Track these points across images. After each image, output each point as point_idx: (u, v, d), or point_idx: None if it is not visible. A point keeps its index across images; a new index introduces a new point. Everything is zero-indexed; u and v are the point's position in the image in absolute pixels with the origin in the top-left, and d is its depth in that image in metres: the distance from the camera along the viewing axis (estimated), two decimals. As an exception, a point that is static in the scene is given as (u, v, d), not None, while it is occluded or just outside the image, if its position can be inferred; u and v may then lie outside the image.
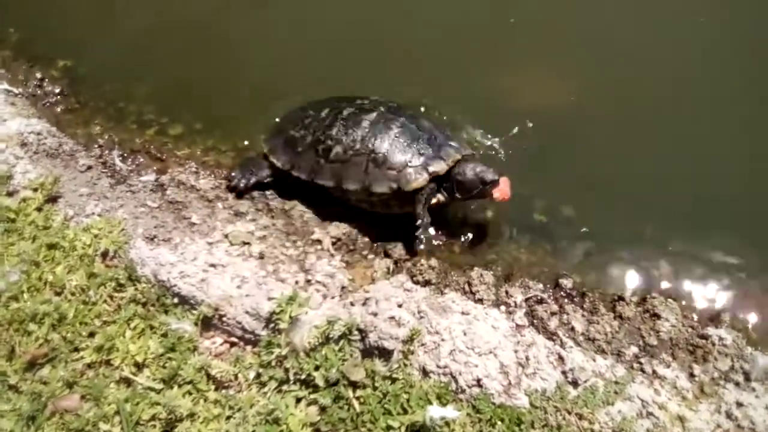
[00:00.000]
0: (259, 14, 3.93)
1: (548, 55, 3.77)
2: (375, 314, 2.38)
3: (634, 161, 3.34)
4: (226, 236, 2.84)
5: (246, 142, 3.45)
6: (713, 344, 2.60)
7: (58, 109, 3.62)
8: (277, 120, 3.32)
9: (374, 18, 4.03)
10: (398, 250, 2.95)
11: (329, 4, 4.08)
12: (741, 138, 3.38)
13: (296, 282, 2.68)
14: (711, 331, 2.66)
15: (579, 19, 3.88)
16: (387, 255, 2.95)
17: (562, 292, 2.83)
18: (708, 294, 2.90)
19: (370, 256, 2.96)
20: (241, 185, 3.03)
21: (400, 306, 2.43)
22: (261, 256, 2.77)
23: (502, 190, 2.85)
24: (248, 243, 2.82)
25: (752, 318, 2.82)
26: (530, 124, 3.47)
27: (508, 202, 2.90)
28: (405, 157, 2.83)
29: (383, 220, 3.03)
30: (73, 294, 2.54)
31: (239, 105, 3.61)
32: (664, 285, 2.94)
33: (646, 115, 3.49)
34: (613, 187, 3.26)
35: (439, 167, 2.84)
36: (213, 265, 2.66)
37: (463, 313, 2.48)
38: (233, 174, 3.08)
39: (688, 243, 3.09)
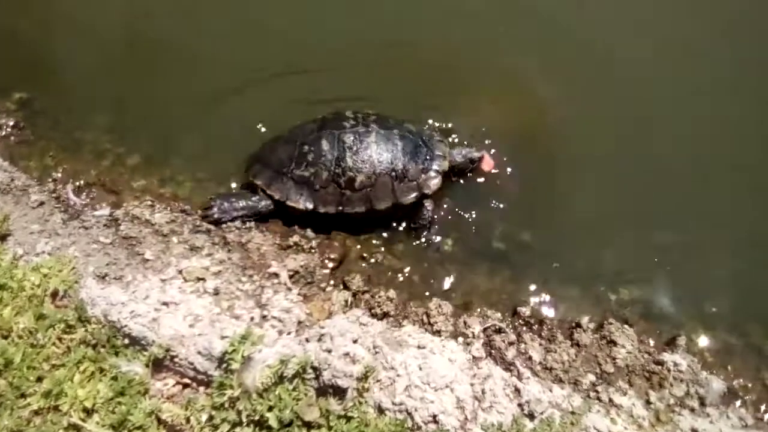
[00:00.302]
0: (223, 42, 3.89)
1: (521, 78, 3.76)
2: (329, 351, 2.36)
3: (594, 188, 3.36)
4: (181, 272, 2.80)
5: (202, 174, 3.40)
6: (669, 370, 2.62)
7: (12, 142, 3.55)
8: (256, 156, 3.26)
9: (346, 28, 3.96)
10: (357, 281, 2.93)
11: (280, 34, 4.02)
12: (693, 166, 3.41)
13: (252, 318, 2.64)
14: (667, 356, 2.68)
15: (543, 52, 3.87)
16: (346, 287, 2.93)
17: (520, 320, 2.83)
18: (664, 319, 2.92)
19: (329, 288, 2.94)
20: (221, 218, 3.02)
21: (355, 342, 2.41)
22: (216, 292, 2.73)
23: (488, 162, 3.36)
24: (203, 279, 2.78)
25: (705, 342, 2.84)
26: (492, 151, 3.46)
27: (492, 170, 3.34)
28: (419, 166, 3.14)
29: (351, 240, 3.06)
30: (20, 337, 2.48)
31: (199, 134, 3.56)
32: (621, 311, 2.96)
33: (609, 143, 3.51)
34: (573, 212, 3.28)
35: (445, 165, 3.21)
36: (165, 304, 2.61)
37: (419, 347, 2.46)
38: (214, 203, 3.05)
39: (644, 270, 3.11)
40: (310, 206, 3.06)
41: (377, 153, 3.08)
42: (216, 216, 3.03)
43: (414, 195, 3.13)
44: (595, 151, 3.45)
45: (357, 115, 3.21)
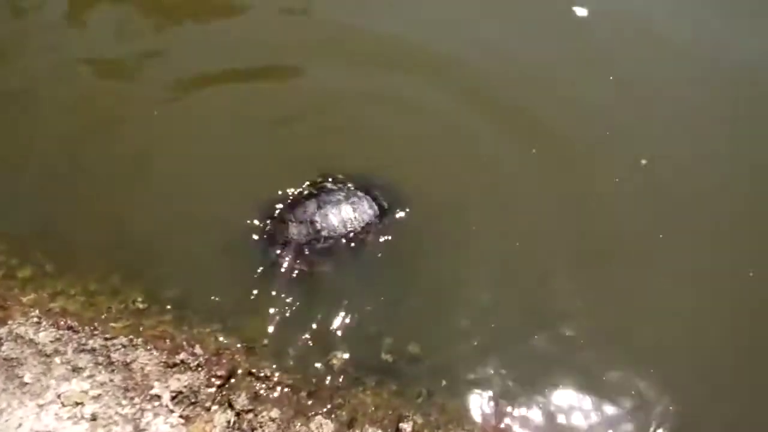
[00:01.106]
0: (127, 147, 3.97)
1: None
2: (197, 485, 2.36)
3: (480, 298, 3.51)
4: (59, 396, 2.77)
5: (95, 287, 3.40)
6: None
7: None
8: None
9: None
10: (242, 399, 2.96)
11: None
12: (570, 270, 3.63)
13: (128, 445, 2.62)
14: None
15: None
16: (230, 405, 2.95)
17: (402, 438, 2.90)
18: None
19: (214, 408, 2.95)
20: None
21: (225, 473, 2.42)
22: (93, 418, 2.72)
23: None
24: (81, 403, 2.77)
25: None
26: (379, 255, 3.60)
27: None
28: None
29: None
30: None
31: (96, 245, 3.58)
32: (501, 423, 3.06)
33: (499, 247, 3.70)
34: (459, 324, 3.41)
35: None
36: (38, 433, 2.57)
37: (291, 476, 2.49)
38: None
39: (527, 383, 3.24)
40: None
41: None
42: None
43: None
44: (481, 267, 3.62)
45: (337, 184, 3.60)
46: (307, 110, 4.17)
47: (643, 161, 3.98)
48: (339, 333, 3.34)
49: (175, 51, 4.50)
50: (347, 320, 3.39)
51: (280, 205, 3.65)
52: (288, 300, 3.40)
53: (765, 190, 3.94)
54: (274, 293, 3.41)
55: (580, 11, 4.73)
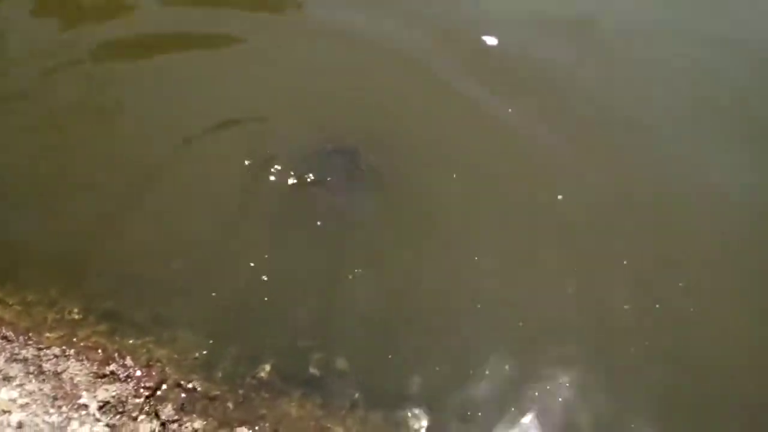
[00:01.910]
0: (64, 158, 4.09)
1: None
2: (113, 491, 2.48)
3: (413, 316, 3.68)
4: (-13, 405, 2.86)
5: (32, 297, 3.50)
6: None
7: None
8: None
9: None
10: (168, 410, 3.08)
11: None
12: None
13: (51, 453, 2.73)
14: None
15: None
16: (157, 416, 3.07)
17: (320, 449, 3.04)
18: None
19: (141, 417, 3.06)
20: None
21: (140, 480, 2.54)
22: (20, 426, 2.81)
23: None
24: (8, 411, 2.86)
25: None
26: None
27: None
28: None
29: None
30: None
31: (37, 257, 3.68)
32: (418, 436, 3.23)
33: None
34: (394, 338, 3.56)
35: None
36: (-38, 440, 2.67)
37: (204, 484, 2.61)
38: None
39: (450, 397, 3.41)
40: None
41: None
42: None
43: None
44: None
45: None
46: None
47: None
48: (269, 347, 3.47)
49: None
50: (278, 334, 3.52)
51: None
52: (221, 314, 3.52)
53: None
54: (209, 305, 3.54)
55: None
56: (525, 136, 4.42)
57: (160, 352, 3.33)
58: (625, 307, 3.65)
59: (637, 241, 3.95)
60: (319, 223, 3.91)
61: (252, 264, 3.71)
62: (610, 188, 4.22)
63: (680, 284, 3.76)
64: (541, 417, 3.30)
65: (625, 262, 3.84)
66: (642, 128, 4.60)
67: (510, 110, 4.58)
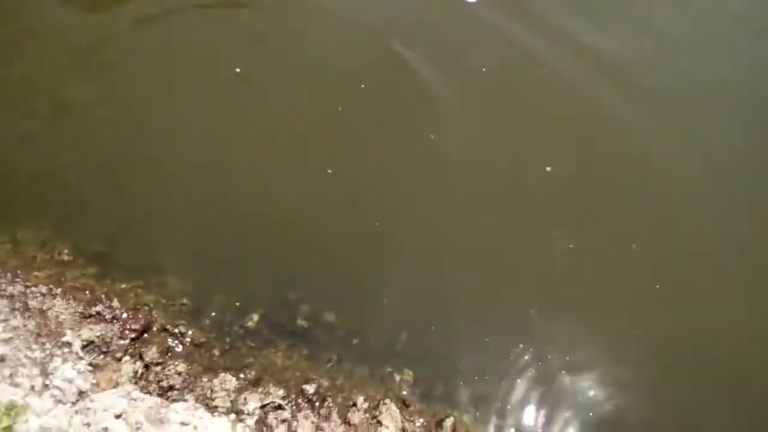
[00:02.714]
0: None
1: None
2: (89, 425, 2.47)
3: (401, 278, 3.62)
4: (-30, 337, 2.85)
5: (23, 236, 3.48)
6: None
7: None
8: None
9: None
10: (152, 352, 3.06)
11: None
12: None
13: (32, 387, 2.72)
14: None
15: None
16: (141, 357, 3.05)
17: (303, 398, 3.02)
18: (435, 402, 3.18)
19: (125, 359, 3.05)
20: None
21: (118, 417, 2.53)
22: (2, 359, 2.80)
23: None
24: (-9, 345, 2.84)
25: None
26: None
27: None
28: None
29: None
30: None
31: (30, 198, 3.65)
32: (402, 391, 3.20)
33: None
34: (378, 294, 3.52)
35: None
36: (-57, 370, 2.66)
37: (182, 424, 2.60)
38: None
39: (436, 351, 3.38)
40: None
41: None
42: None
43: None
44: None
45: None
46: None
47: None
48: (258, 296, 3.44)
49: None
50: (268, 285, 3.48)
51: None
52: (212, 261, 3.49)
53: None
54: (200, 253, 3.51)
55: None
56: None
57: (148, 297, 3.32)
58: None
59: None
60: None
61: (243, 216, 3.65)
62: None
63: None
64: (532, 384, 3.27)
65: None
66: None
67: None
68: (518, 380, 3.24)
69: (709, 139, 4.23)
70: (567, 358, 3.34)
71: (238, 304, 3.41)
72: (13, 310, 3.06)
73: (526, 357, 3.32)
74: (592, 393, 3.27)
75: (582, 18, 4.75)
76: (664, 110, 4.31)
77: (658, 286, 3.58)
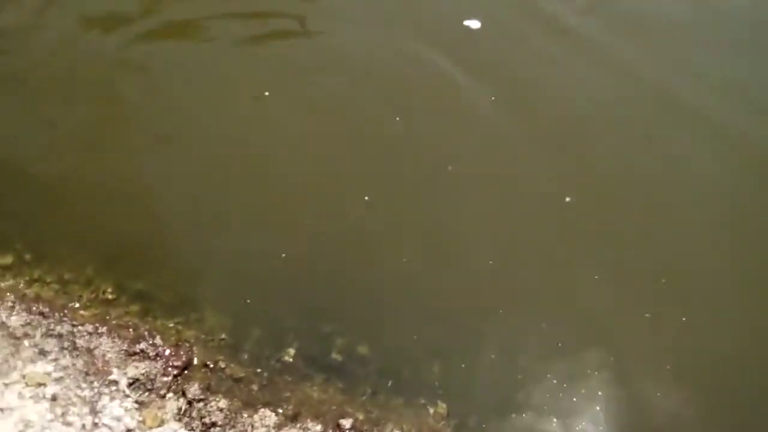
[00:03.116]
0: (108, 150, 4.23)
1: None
2: (137, 465, 2.58)
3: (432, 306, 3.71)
4: (24, 377, 3.00)
5: (69, 276, 3.63)
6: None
7: None
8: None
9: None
10: (194, 389, 3.18)
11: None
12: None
13: (83, 425, 2.86)
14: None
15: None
16: (184, 394, 3.17)
17: (340, 432, 3.11)
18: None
19: (169, 395, 3.17)
20: None
21: (165, 455, 2.64)
22: (54, 398, 2.94)
23: None
24: (44, 384, 2.99)
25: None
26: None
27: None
28: None
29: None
30: None
31: (74, 237, 3.81)
32: (437, 424, 3.27)
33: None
34: (409, 326, 3.60)
35: None
36: (0, 409, 2.80)
37: (224, 462, 2.70)
38: None
39: (469, 384, 3.44)
40: None
41: None
42: None
43: None
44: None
45: None
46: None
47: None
48: (293, 330, 3.54)
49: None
50: (302, 317, 3.58)
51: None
52: (248, 294, 3.61)
53: None
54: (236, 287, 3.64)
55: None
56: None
57: (188, 333, 3.43)
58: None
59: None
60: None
61: (278, 250, 3.77)
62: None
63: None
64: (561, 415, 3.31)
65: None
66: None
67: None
68: (552, 416, 3.28)
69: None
70: (599, 393, 3.37)
71: (274, 337, 3.51)
72: (62, 349, 3.20)
73: (558, 391, 3.35)
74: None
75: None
76: None
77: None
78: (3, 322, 3.25)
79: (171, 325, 3.49)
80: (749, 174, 4.27)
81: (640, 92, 4.71)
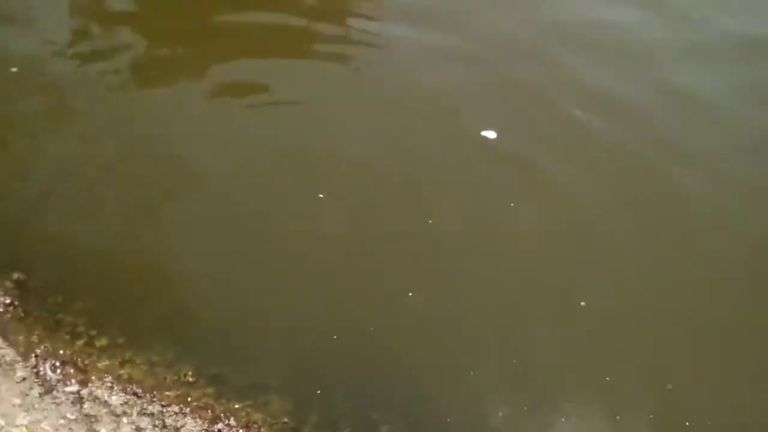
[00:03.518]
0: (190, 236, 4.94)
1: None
2: None
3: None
4: (125, 451, 3.61)
5: (155, 358, 4.27)
6: None
7: (6, 319, 4.41)
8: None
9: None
10: (263, 466, 3.75)
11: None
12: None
13: (174, 495, 3.43)
14: None
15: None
16: (254, 470, 3.74)
17: None
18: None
19: (241, 470, 3.74)
20: None
21: None
22: (147, 472, 3.54)
23: None
24: (141, 460, 3.59)
25: None
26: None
27: None
28: None
29: None
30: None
31: (159, 321, 4.47)
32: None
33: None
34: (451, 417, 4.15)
35: None
36: (109, 480, 3.41)
37: None
38: None
39: None
40: None
41: None
42: None
43: None
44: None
45: None
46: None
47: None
48: (346, 416, 4.11)
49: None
50: (354, 403, 4.15)
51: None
52: (307, 379, 4.20)
53: None
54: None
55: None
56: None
57: (257, 416, 4.02)
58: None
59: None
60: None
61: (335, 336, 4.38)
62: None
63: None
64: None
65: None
66: None
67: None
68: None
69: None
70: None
71: (329, 422, 4.08)
72: (154, 427, 3.82)
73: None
74: None
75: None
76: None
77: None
78: (105, 401, 3.88)
79: (241, 407, 4.07)
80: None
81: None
